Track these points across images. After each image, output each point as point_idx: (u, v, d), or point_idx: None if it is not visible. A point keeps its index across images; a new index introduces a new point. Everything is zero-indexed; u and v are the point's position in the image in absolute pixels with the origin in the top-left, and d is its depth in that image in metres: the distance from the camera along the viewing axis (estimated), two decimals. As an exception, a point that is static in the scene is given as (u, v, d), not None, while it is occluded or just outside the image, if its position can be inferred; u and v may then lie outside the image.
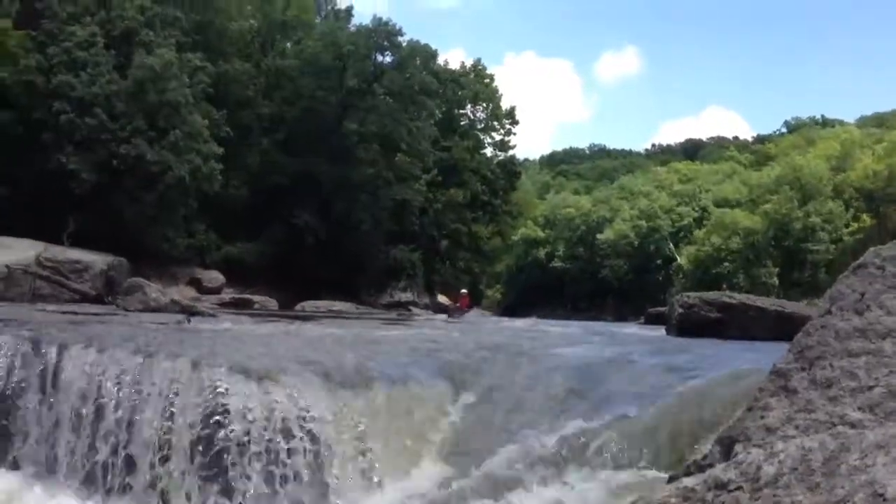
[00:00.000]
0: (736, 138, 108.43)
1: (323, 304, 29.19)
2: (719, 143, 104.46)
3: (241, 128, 35.54)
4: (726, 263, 58.55)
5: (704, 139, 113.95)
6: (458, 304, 32.22)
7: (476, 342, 11.43)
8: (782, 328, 10.81)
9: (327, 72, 39.71)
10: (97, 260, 23.27)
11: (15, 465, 7.05)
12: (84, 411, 6.85)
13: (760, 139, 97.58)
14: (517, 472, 5.40)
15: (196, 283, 30.57)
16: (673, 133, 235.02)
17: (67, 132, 27.67)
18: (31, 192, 27.46)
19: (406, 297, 44.79)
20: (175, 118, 29.36)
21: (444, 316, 30.53)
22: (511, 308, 67.72)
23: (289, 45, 43.66)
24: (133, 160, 28.14)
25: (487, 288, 74.04)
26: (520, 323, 27.31)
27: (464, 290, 35.48)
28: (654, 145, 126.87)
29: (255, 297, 28.17)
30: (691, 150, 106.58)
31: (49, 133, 27.81)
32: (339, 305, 29.44)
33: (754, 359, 6.94)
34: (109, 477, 6.55)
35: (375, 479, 6.17)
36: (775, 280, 55.46)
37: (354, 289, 38.85)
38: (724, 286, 47.68)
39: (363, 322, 20.13)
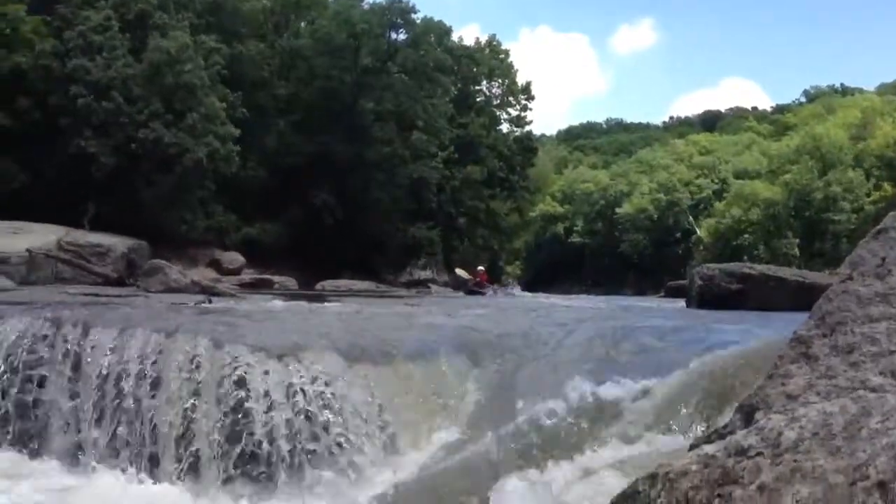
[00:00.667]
0: (755, 109, 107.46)
1: (343, 284, 29.29)
2: (738, 114, 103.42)
3: (256, 109, 35.62)
4: (747, 235, 58.24)
5: (723, 110, 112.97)
6: (476, 279, 31.23)
7: (494, 316, 11.44)
8: (803, 298, 10.68)
9: (342, 51, 39.68)
10: (118, 243, 23.47)
11: (36, 448, 7.14)
12: (107, 391, 6.92)
13: (779, 109, 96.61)
14: (535, 443, 5.41)
15: (216, 265, 30.76)
16: (691, 105, 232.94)
17: (85, 116, 27.87)
18: (52, 177, 27.74)
19: (425, 274, 44.91)
20: (191, 101, 29.47)
21: (461, 293, 29.97)
22: (531, 284, 67.67)
23: (303, 24, 43.62)
24: (151, 143, 28.31)
25: (507, 264, 74.06)
26: (541, 298, 27.30)
27: (480, 268, 34.28)
28: (671, 118, 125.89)
29: (275, 278, 28.33)
30: (710, 121, 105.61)
31: (67, 118, 28.01)
32: (358, 284, 29.53)
33: (775, 327, 6.92)
34: (133, 456, 6.62)
35: (395, 451, 6.22)
36: (796, 251, 55.14)
37: (374, 267, 38.99)
38: (745, 258, 47.42)
39: (382, 300, 20.19)
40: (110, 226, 25.56)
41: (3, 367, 7.48)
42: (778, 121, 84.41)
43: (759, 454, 2.52)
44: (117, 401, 6.85)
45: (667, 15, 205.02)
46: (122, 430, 6.72)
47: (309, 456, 6.08)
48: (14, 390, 7.33)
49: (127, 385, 6.87)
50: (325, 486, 5.98)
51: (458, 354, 7.38)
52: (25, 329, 7.64)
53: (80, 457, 6.87)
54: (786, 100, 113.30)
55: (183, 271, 20.04)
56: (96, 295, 12.96)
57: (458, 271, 37.10)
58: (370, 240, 39.27)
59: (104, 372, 7.02)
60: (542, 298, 27.59)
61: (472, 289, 29.49)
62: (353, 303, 15.62)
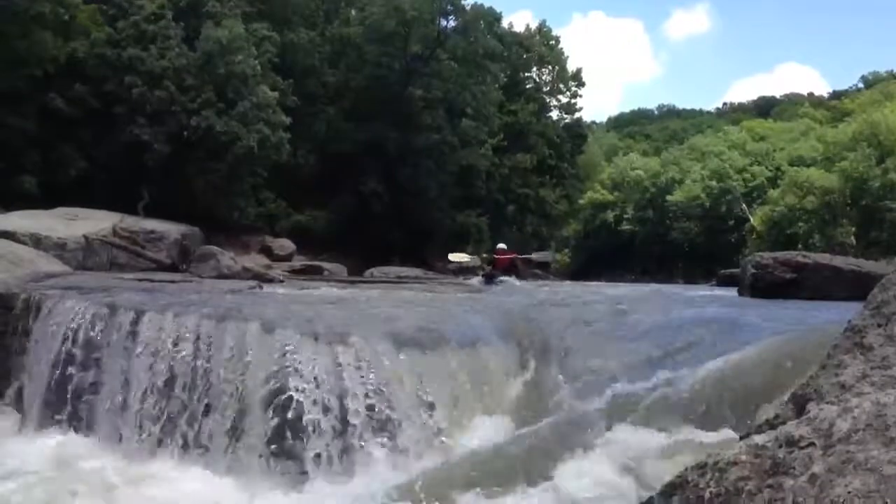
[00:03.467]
0: (811, 95, 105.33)
1: (391, 270, 29.38)
2: (793, 100, 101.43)
3: (306, 97, 35.83)
4: (801, 223, 57.11)
5: (778, 96, 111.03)
6: (491, 267, 21.77)
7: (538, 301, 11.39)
8: (859, 287, 10.50)
9: (391, 38, 39.65)
10: (171, 229, 23.83)
11: (90, 429, 7.30)
12: (160, 373, 7.05)
13: (836, 95, 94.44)
14: (579, 430, 5.39)
15: (267, 251, 31.10)
16: (745, 91, 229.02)
17: (139, 105, 28.29)
18: (108, 164, 28.30)
19: (474, 262, 44.87)
20: (243, 89, 29.75)
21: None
22: (580, 272, 67.29)
23: (353, 12, 43.70)
24: (203, 131, 28.66)
25: (556, 252, 73.73)
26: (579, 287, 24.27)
27: (501, 245, 23.18)
28: (725, 104, 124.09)
29: (325, 264, 28.52)
30: (764, 107, 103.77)
31: (122, 106, 28.48)
32: (406, 271, 29.59)
33: (830, 317, 6.80)
34: (184, 440, 6.74)
35: (441, 438, 6.25)
36: (852, 239, 53.95)
37: (422, 254, 39.05)
38: (800, 246, 46.56)
39: (428, 286, 20.15)
40: (164, 212, 25.97)
41: (61, 350, 7.67)
42: (834, 107, 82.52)
43: (810, 445, 2.49)
44: (170, 383, 6.98)
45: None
46: (174, 411, 6.85)
47: (355, 439, 6.13)
48: (71, 372, 7.51)
49: (179, 368, 6.99)
50: (371, 469, 6.03)
51: (505, 339, 7.39)
52: (82, 313, 7.81)
53: (131, 438, 7.01)
54: (843, 86, 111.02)
55: (234, 257, 20.29)
56: (150, 280, 13.18)
57: (454, 256, 27.58)
58: (419, 227, 39.34)
59: (157, 355, 7.16)
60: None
61: (491, 274, 20.81)
62: (400, 289, 15.68)
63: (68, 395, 7.48)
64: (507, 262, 21.53)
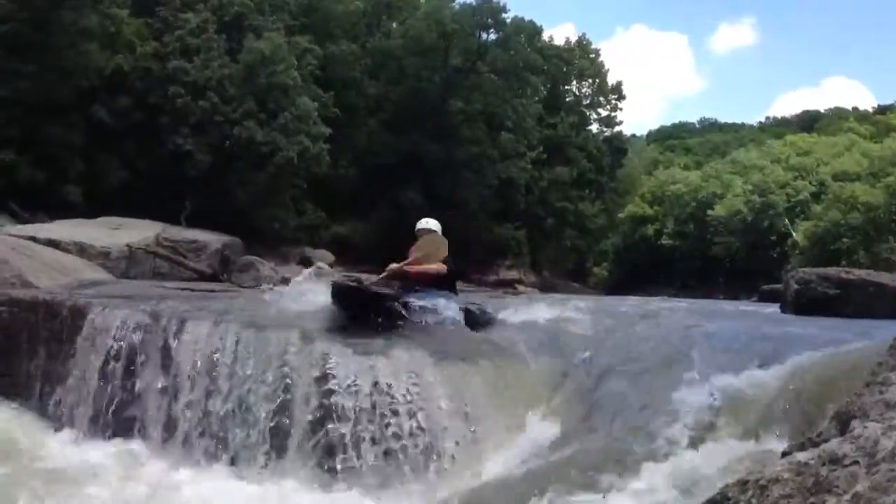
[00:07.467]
0: (855, 109, 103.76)
1: (430, 282, 29.36)
2: (838, 115, 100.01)
3: (347, 108, 36.14)
4: (845, 239, 56.24)
5: (822, 110, 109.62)
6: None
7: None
8: (905, 305, 10.34)
9: (432, 51, 39.96)
10: (213, 239, 24.06)
11: (135, 436, 7.39)
12: (201, 382, 7.12)
13: (881, 109, 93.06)
14: (622, 446, 5.36)
15: (306, 262, 31.23)
16: (789, 105, 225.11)
17: (182, 115, 28.75)
18: (151, 174, 28.76)
19: (512, 275, 44.84)
20: (284, 100, 30.11)
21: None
22: (619, 286, 66.81)
23: (394, 25, 44.06)
24: (244, 142, 29.04)
25: (595, 265, 73.41)
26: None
27: (428, 224, 10.82)
28: (767, 118, 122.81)
29: (364, 276, 28.62)
30: (808, 121, 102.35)
31: (165, 117, 28.97)
32: (445, 283, 29.53)
33: (874, 335, 6.69)
34: (226, 447, 6.80)
35: (481, 451, 6.24)
36: (898, 256, 53.04)
37: (460, 267, 39.07)
38: (844, 263, 45.80)
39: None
40: (206, 222, 26.27)
41: (106, 357, 7.79)
42: (880, 122, 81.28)
43: (854, 463, 2.45)
44: (210, 392, 7.05)
45: (770, 13, 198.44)
46: (217, 419, 6.92)
47: (392, 451, 6.15)
48: (117, 379, 7.62)
49: (220, 377, 7.06)
50: (408, 481, 6.04)
51: (546, 354, 7.37)
52: (127, 320, 7.93)
53: (178, 445, 7.09)
54: (889, 100, 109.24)
55: (274, 268, 20.44)
56: (191, 290, 13.32)
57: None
58: (457, 239, 39.17)
59: (198, 363, 7.24)
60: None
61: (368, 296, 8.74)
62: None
63: (114, 403, 7.57)
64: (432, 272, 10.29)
